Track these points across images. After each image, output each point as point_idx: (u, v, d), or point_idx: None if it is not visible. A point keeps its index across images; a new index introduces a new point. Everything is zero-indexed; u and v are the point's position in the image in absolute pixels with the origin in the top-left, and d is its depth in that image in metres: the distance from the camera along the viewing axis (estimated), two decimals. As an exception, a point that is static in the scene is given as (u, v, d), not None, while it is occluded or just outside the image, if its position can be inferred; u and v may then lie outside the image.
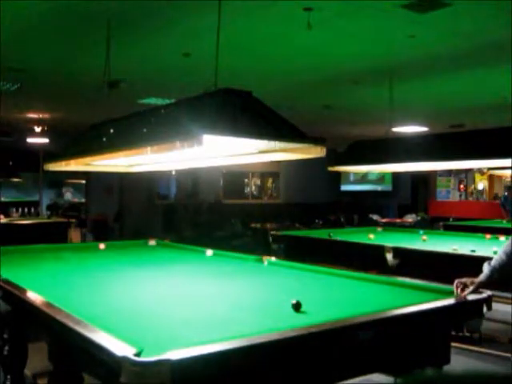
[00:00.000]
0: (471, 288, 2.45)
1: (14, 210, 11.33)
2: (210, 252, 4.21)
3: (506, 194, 11.23)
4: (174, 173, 12.34)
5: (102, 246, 4.64)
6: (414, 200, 14.71)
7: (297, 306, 2.28)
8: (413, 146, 5.76)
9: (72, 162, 4.01)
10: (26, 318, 2.66)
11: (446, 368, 2.40)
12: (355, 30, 4.68)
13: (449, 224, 7.56)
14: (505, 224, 7.65)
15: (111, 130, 3.79)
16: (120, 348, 1.66)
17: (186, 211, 12.56)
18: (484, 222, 7.80)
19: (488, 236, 5.68)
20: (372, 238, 5.67)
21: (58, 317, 2.07)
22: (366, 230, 6.53)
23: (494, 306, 2.61)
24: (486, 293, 2.52)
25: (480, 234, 5.89)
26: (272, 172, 14.23)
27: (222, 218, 12.72)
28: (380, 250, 4.67)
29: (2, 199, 12.44)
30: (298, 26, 4.35)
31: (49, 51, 5.42)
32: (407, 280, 3.28)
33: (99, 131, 4.02)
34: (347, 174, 14.73)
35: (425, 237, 5.76)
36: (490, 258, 4.07)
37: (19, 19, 4.42)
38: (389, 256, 4.56)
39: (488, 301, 2.48)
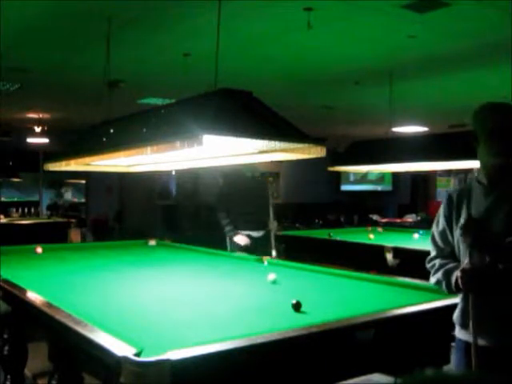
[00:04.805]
0: None
1: (14, 209, 11.31)
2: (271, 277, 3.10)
3: None
4: (173, 173, 12.33)
5: (39, 249, 4.11)
6: (413, 200, 14.70)
7: (297, 306, 2.28)
8: (413, 145, 5.76)
9: (72, 161, 4.01)
10: (26, 318, 2.66)
11: (445, 368, 2.40)
12: (355, 30, 4.67)
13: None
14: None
15: (111, 130, 3.79)
16: (120, 348, 1.66)
17: (186, 211, 12.56)
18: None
19: None
20: (372, 238, 5.67)
21: (58, 317, 2.07)
22: (365, 230, 6.53)
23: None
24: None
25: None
26: (272, 172, 14.23)
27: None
28: (380, 250, 4.67)
29: (2, 199, 12.43)
30: (298, 25, 4.35)
31: (49, 51, 5.42)
32: (407, 280, 3.28)
33: (99, 131, 4.02)
34: (347, 173, 14.73)
35: (416, 235, 6.03)
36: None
37: (19, 19, 4.41)
38: (389, 256, 4.56)
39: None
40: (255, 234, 5.25)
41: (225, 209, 5.24)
